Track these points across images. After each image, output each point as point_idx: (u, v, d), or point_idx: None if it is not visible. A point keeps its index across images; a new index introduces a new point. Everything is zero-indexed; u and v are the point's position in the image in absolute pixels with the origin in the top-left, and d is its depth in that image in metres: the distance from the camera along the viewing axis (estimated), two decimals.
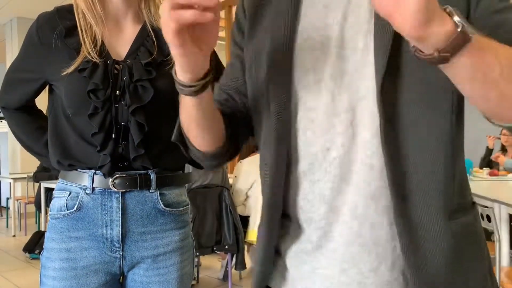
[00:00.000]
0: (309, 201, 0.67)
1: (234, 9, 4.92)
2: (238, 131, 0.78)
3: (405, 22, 0.48)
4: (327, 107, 0.65)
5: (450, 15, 0.50)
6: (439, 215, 0.62)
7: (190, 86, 0.64)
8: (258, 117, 0.74)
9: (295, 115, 0.67)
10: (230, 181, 3.69)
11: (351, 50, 0.64)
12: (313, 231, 0.67)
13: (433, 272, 0.62)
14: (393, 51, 0.61)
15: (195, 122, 0.71)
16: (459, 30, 0.49)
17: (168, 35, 0.55)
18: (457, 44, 0.50)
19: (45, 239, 1.05)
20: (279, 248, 0.72)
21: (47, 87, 1.09)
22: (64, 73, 0.98)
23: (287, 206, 0.70)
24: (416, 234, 0.62)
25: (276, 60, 0.68)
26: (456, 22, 0.50)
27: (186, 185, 1.16)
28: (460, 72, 0.53)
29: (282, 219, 0.70)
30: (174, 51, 0.59)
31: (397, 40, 0.60)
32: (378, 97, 0.61)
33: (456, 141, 0.65)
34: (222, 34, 5.33)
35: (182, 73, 0.63)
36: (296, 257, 0.71)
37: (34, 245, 4.40)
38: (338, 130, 0.64)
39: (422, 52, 0.52)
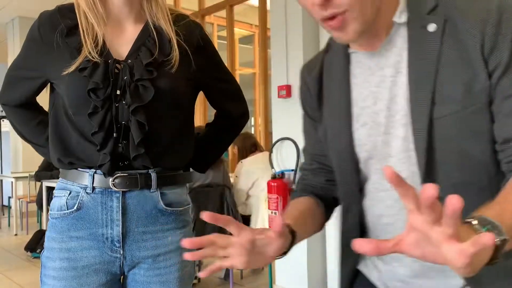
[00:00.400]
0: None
1: (235, 8, 4.92)
2: (334, 202, 0.95)
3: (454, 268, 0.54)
4: (379, 184, 0.78)
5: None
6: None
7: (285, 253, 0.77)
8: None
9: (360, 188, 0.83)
10: (231, 180, 3.69)
11: (394, 136, 0.76)
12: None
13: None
14: (429, 140, 0.71)
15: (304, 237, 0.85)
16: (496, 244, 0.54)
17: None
18: (500, 249, 0.55)
19: (45, 239, 1.05)
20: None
21: (48, 86, 1.09)
22: (65, 72, 0.97)
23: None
24: None
25: (340, 139, 0.83)
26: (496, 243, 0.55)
27: (188, 184, 1.16)
28: None
29: None
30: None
31: (430, 134, 0.71)
32: (422, 180, 0.72)
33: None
34: (223, 33, 5.33)
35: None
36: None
37: (36, 244, 4.40)
38: (387, 203, 0.78)
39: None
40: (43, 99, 1.14)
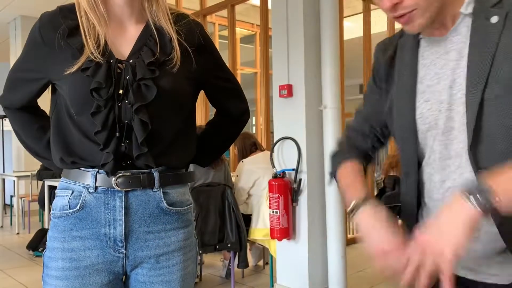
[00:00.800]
0: (429, 215, 0.95)
1: (236, 8, 4.92)
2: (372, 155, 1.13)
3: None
4: (441, 154, 0.90)
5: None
6: None
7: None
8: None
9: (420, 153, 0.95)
10: (233, 179, 3.69)
11: (456, 112, 0.87)
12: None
13: None
14: (478, 121, 0.83)
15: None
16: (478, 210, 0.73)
17: None
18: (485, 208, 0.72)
19: (48, 238, 1.05)
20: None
21: (49, 87, 1.09)
22: (67, 73, 0.98)
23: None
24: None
25: (404, 113, 0.96)
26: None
27: (189, 183, 1.16)
28: None
29: None
30: None
31: (481, 112, 0.82)
32: (469, 153, 0.84)
33: None
34: (225, 33, 5.33)
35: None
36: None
37: (38, 243, 4.42)
38: (451, 168, 0.89)
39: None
40: (44, 101, 1.14)
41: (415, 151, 0.95)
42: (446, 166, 0.89)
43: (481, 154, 0.83)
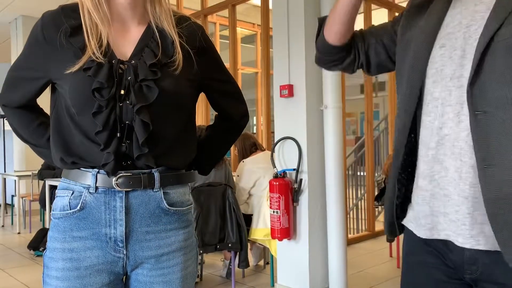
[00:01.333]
0: (423, 158, 0.96)
1: (237, 8, 4.92)
2: (354, 56, 1.15)
3: None
4: (444, 100, 0.91)
5: None
6: None
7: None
8: (397, 85, 1.06)
9: (421, 100, 0.97)
10: (234, 179, 3.69)
11: (468, 60, 0.88)
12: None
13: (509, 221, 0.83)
14: (481, 61, 0.85)
15: (343, 14, 1.07)
16: None
17: None
18: None
19: (48, 239, 1.05)
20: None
21: (49, 87, 1.09)
22: (68, 72, 0.98)
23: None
24: (497, 194, 0.83)
25: (418, 54, 0.98)
26: None
27: (189, 183, 1.16)
28: None
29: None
30: None
31: (485, 53, 0.85)
32: (467, 93, 0.86)
33: None
34: (226, 32, 5.33)
35: None
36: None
37: (39, 243, 4.42)
38: (449, 115, 0.90)
39: None
40: (44, 101, 1.14)
41: (419, 91, 0.97)
42: (445, 112, 0.91)
43: (479, 96, 0.85)
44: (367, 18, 4.71)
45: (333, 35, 1.11)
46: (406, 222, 1.05)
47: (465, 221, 0.89)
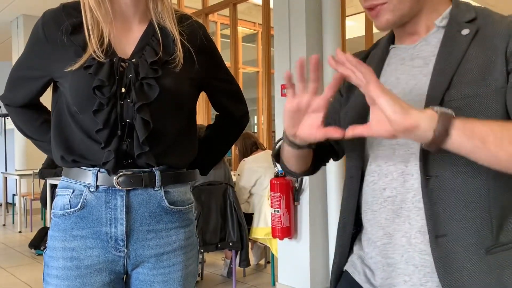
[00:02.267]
0: (371, 226, 0.88)
1: (238, 7, 4.92)
2: (324, 156, 1.06)
3: (395, 124, 0.69)
4: (388, 158, 0.86)
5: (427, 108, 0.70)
6: (473, 250, 0.76)
7: (298, 146, 0.90)
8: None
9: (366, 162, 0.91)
10: (234, 178, 3.70)
11: None
12: (372, 250, 0.89)
13: None
14: None
15: (293, 158, 0.97)
16: (437, 112, 0.69)
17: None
18: (444, 121, 0.68)
19: (48, 238, 1.05)
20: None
21: (51, 86, 1.09)
22: (69, 69, 0.97)
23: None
24: (450, 265, 0.76)
25: (357, 120, 0.89)
26: (434, 109, 0.70)
27: (190, 182, 1.16)
28: (462, 145, 0.70)
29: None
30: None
31: None
32: (420, 156, 0.80)
33: (496, 198, 0.77)
34: (227, 31, 5.33)
35: (294, 139, 0.88)
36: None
37: (40, 241, 4.43)
38: (393, 176, 0.84)
39: (428, 143, 0.70)
40: (46, 99, 1.14)
41: (361, 156, 0.91)
42: (389, 173, 0.85)
43: (431, 160, 0.79)
44: (368, 18, 4.71)
45: (293, 168, 1.01)
46: (348, 267, 0.96)
47: None
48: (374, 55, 0.98)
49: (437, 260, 0.77)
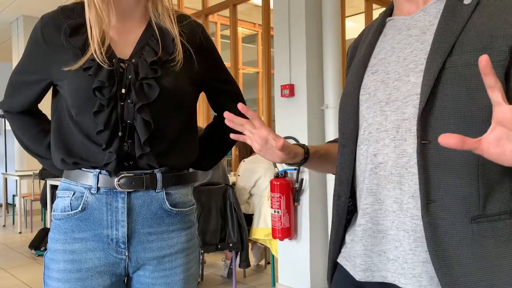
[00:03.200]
0: (361, 193, 0.88)
1: (238, 7, 4.92)
2: None
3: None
4: (379, 125, 0.84)
5: None
6: (459, 217, 0.75)
7: (296, 164, 1.00)
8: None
9: (358, 128, 0.90)
10: (230, 179, 3.71)
11: (404, 82, 0.83)
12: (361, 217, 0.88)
13: (451, 261, 0.75)
14: (434, 88, 0.77)
15: (316, 167, 1.07)
16: None
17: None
18: None
19: (49, 240, 1.04)
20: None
21: (50, 90, 1.08)
22: (67, 69, 0.97)
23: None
24: (437, 231, 0.76)
25: (350, 87, 0.93)
26: None
27: (191, 184, 1.16)
28: None
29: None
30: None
31: (439, 80, 0.77)
32: (418, 121, 0.77)
33: (484, 165, 0.75)
34: (227, 32, 5.33)
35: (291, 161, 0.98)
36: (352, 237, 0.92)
37: (40, 242, 4.43)
38: (385, 142, 0.83)
39: None
40: (45, 106, 1.14)
41: (354, 121, 0.90)
42: (380, 138, 0.84)
43: (430, 125, 0.77)
44: (369, 17, 4.71)
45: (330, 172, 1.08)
46: (341, 259, 0.95)
47: (407, 258, 0.79)
48: (371, 27, 0.97)
49: (427, 225, 0.76)
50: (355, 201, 0.93)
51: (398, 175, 0.81)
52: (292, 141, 3.07)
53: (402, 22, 0.89)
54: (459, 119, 0.75)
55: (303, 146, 0.99)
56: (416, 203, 0.78)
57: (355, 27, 5.85)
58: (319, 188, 3.06)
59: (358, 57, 0.95)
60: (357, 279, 0.87)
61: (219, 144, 1.26)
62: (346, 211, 0.92)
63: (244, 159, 3.69)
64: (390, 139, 0.82)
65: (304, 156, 0.98)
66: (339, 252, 0.96)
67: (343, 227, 0.94)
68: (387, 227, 0.83)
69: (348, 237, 0.93)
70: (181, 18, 1.11)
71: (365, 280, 0.86)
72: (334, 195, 0.95)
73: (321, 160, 1.03)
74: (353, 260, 0.89)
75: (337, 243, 0.95)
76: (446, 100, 0.76)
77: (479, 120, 0.74)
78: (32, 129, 1.14)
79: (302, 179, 3.04)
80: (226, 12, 5.10)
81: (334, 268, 0.97)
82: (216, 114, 1.27)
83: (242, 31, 5.76)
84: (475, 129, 0.74)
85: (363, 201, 0.86)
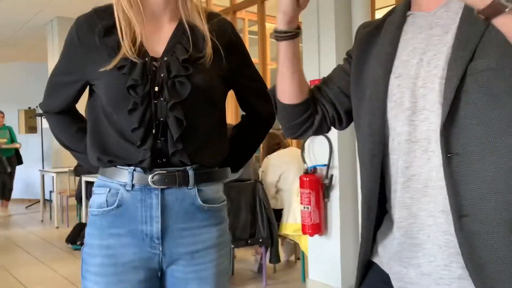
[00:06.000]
0: (394, 206, 0.85)
1: (266, 3, 4.90)
2: (319, 112, 1.01)
3: None
4: (409, 135, 0.81)
5: None
6: (496, 229, 0.73)
7: (287, 32, 0.92)
8: (357, 130, 0.95)
9: (387, 137, 0.86)
10: (260, 175, 3.75)
11: (430, 89, 0.79)
12: (396, 230, 0.86)
13: (491, 276, 0.72)
14: (456, 97, 0.74)
15: (286, 63, 0.95)
16: None
17: None
18: None
19: (86, 235, 1.08)
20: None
21: (87, 90, 1.12)
22: (103, 70, 1.00)
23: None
24: (474, 245, 0.74)
25: (375, 91, 0.87)
26: None
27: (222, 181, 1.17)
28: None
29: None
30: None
31: (460, 88, 0.74)
32: (441, 134, 0.75)
33: None
34: (254, 28, 5.33)
35: (283, 24, 0.91)
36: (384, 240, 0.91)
37: (76, 237, 4.57)
38: (416, 154, 0.80)
39: (480, 12, 0.65)
40: (81, 106, 1.17)
41: (382, 128, 0.86)
42: (411, 150, 0.81)
43: (454, 137, 0.75)
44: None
45: (287, 95, 0.98)
46: (375, 259, 0.94)
47: (442, 274, 0.78)
48: (391, 21, 0.93)
49: (462, 240, 0.74)
50: (381, 204, 0.91)
51: (432, 188, 0.79)
52: (322, 137, 3.05)
53: (424, 19, 0.86)
54: (483, 127, 0.73)
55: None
56: (446, 217, 0.77)
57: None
58: (349, 184, 3.03)
59: (381, 56, 0.90)
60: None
61: (248, 144, 1.27)
62: (375, 220, 0.92)
63: (268, 156, 3.73)
64: (422, 151, 0.80)
65: (297, 28, 0.94)
66: (371, 251, 0.94)
67: (373, 230, 0.93)
68: (422, 241, 0.81)
69: (380, 244, 0.92)
70: (211, 16, 1.12)
71: None
72: (363, 206, 0.94)
73: (297, 56, 0.97)
74: (388, 268, 0.88)
75: (369, 242, 0.93)
76: (469, 109, 0.74)
77: (503, 125, 0.73)
78: (71, 128, 1.18)
79: (332, 175, 3.01)
80: (254, 8, 5.10)
81: (365, 267, 0.96)
82: (244, 113, 1.28)
83: (270, 26, 5.75)
84: (500, 134, 0.72)
85: (397, 215, 0.85)
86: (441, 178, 0.77)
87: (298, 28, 0.94)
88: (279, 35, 0.93)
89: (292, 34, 0.93)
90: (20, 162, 7.07)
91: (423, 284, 0.81)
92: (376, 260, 0.94)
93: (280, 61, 0.97)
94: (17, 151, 7.03)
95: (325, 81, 1.05)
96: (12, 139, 6.98)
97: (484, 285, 0.73)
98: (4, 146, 6.75)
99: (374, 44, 0.93)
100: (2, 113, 6.97)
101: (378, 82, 0.87)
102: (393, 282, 0.87)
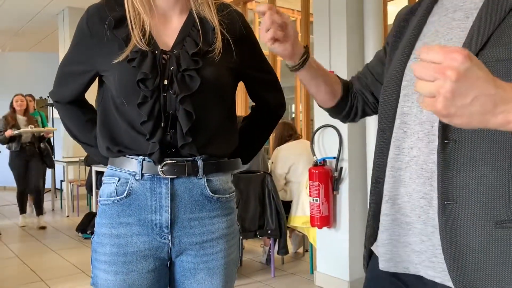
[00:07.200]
0: (393, 182, 0.86)
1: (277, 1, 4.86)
2: (360, 100, 1.10)
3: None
4: (415, 117, 0.83)
5: None
6: (482, 221, 0.73)
7: (295, 66, 0.99)
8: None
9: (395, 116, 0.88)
10: (270, 167, 3.74)
11: None
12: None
13: (469, 268, 0.73)
14: None
15: (311, 82, 1.03)
16: None
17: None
18: None
19: (96, 224, 1.08)
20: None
21: (96, 81, 1.12)
22: (114, 62, 1.00)
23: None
24: (455, 233, 0.74)
25: (394, 67, 0.91)
26: None
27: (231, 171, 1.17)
28: None
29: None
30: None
31: None
32: (440, 120, 0.73)
33: None
34: None
35: (288, 60, 0.99)
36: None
37: (86, 226, 4.63)
38: (419, 135, 0.82)
39: None
40: (91, 97, 1.17)
41: (394, 106, 0.87)
42: (415, 132, 0.82)
43: (451, 125, 0.74)
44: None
45: (323, 103, 1.09)
46: (374, 247, 0.95)
47: (436, 253, 0.78)
48: (424, 2, 0.94)
49: (443, 226, 0.75)
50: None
51: (430, 171, 0.79)
52: (331, 130, 3.04)
53: (450, 1, 0.85)
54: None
55: (305, 47, 0.99)
56: (428, 203, 0.78)
57: (397, 11, 5.64)
58: (358, 177, 3.02)
59: (408, 33, 0.92)
60: (380, 268, 0.88)
61: (258, 135, 1.27)
62: (382, 198, 0.91)
63: (278, 147, 3.72)
64: (424, 133, 0.80)
65: (303, 55, 0.97)
66: (375, 239, 0.95)
67: (379, 214, 0.93)
68: (413, 220, 0.82)
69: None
70: (222, 7, 1.11)
71: (388, 270, 0.87)
72: (372, 180, 0.95)
73: (318, 73, 1.02)
74: (378, 249, 0.89)
75: (374, 230, 0.94)
76: None
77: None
78: (81, 119, 1.19)
79: (341, 168, 3.00)
80: None
81: (370, 255, 0.97)
82: (253, 105, 1.27)
83: None
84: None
85: (394, 191, 0.86)
86: (435, 162, 0.78)
87: (306, 51, 0.98)
88: (291, 69, 1.00)
89: (301, 63, 0.98)
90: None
91: (413, 261, 0.82)
92: (374, 249, 0.95)
93: (304, 84, 1.05)
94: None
95: (364, 69, 1.11)
96: (43, 126, 5.62)
97: (459, 271, 0.73)
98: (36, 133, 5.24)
99: (408, 26, 0.95)
100: (32, 96, 5.84)
101: (397, 64, 0.90)
102: (382, 263, 0.88)
